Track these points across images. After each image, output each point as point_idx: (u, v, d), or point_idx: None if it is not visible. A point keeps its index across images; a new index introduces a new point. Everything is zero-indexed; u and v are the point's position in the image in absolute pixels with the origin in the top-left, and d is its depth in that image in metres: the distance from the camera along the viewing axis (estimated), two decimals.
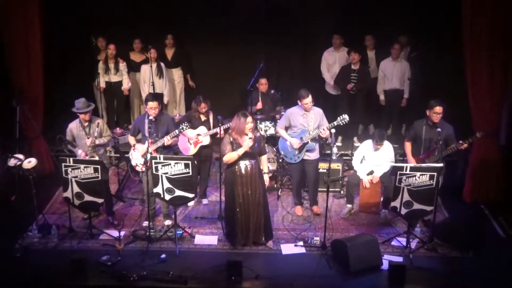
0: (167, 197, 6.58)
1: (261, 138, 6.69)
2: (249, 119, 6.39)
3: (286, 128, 7.40)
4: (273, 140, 8.30)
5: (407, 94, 9.07)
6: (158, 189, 6.55)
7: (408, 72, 8.99)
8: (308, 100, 7.09)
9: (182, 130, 6.99)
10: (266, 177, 6.73)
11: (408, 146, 7.30)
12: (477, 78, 7.36)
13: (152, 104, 6.88)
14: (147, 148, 6.82)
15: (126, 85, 9.51)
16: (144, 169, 6.98)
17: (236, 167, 6.49)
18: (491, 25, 7.12)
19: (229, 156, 6.43)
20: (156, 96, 7.44)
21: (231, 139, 6.48)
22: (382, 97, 9.20)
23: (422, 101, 7.70)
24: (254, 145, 6.45)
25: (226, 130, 7.44)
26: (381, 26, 9.30)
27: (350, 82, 8.87)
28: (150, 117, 6.92)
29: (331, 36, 9.29)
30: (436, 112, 6.90)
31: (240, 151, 6.39)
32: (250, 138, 6.39)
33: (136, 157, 7.14)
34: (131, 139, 7.25)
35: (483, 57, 7.27)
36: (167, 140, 6.90)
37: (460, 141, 6.87)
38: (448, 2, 8.18)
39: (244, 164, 6.48)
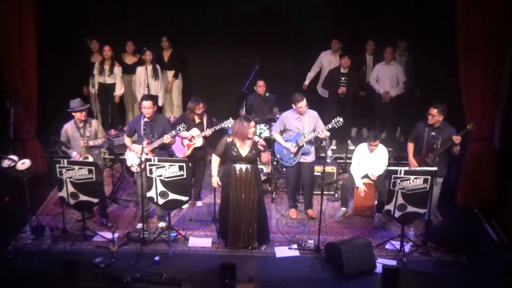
0: (161, 201, 6.56)
1: (261, 146, 6.43)
2: (252, 123, 6.35)
3: (281, 132, 7.39)
4: (268, 143, 8.29)
5: (394, 93, 9.02)
6: (151, 193, 6.53)
7: (402, 76, 9.01)
8: (303, 104, 7.09)
9: (179, 131, 6.98)
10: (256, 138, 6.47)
11: (410, 146, 7.27)
12: (471, 81, 7.39)
13: (147, 104, 6.87)
14: (142, 149, 6.80)
15: (118, 91, 9.46)
16: (139, 169, 6.96)
17: (232, 169, 6.46)
18: (484, 29, 7.16)
19: (213, 160, 6.57)
20: (151, 97, 7.44)
21: (229, 140, 6.44)
22: (381, 90, 9.05)
23: (416, 105, 7.72)
24: (251, 151, 6.42)
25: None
26: (376, 31, 9.30)
27: (339, 85, 8.86)
28: (145, 119, 6.92)
29: (325, 39, 9.30)
30: (429, 114, 6.92)
31: (214, 172, 6.58)
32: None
33: (132, 157, 7.12)
34: (127, 140, 7.23)
35: (477, 61, 7.30)
36: (166, 138, 6.88)
37: (454, 136, 6.79)
38: (443, 7, 8.20)
39: (239, 167, 6.44)
